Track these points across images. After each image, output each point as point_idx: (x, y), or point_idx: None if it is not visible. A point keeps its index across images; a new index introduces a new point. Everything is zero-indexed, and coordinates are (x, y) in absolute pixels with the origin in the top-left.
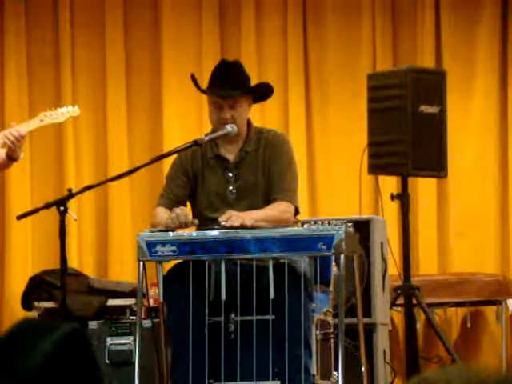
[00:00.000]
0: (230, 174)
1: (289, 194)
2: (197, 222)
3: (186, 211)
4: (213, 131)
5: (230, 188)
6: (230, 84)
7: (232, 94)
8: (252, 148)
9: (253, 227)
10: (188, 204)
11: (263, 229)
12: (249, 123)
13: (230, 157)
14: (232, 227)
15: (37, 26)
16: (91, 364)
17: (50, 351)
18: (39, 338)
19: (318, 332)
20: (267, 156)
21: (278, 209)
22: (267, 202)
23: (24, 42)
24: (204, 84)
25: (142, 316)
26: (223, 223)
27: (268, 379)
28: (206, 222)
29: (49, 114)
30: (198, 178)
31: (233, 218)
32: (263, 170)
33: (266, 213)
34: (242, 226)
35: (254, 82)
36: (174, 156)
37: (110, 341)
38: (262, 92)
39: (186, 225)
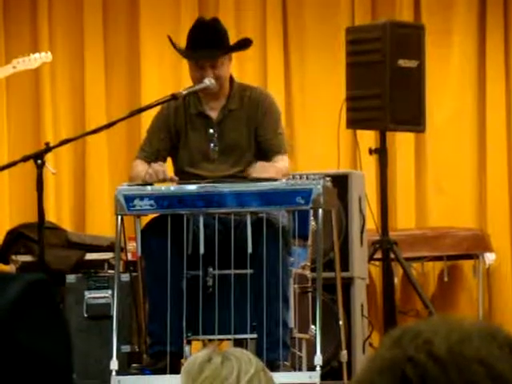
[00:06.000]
0: (213, 132)
1: (284, 149)
2: (176, 178)
3: (164, 167)
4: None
5: (212, 145)
6: (209, 44)
7: (212, 55)
8: (235, 106)
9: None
10: (168, 159)
11: (241, 183)
12: (231, 79)
13: (213, 114)
14: (260, 179)
15: None
16: (56, 312)
17: (14, 298)
18: (2, 286)
19: (295, 286)
20: (254, 115)
21: (287, 162)
22: (250, 159)
23: None
24: (182, 43)
25: (120, 270)
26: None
27: (246, 333)
28: (186, 177)
29: (21, 61)
30: (180, 135)
31: (258, 169)
32: (248, 128)
33: (280, 165)
34: (271, 178)
35: (232, 36)
36: (155, 110)
37: (87, 294)
38: (242, 45)
39: (164, 181)
